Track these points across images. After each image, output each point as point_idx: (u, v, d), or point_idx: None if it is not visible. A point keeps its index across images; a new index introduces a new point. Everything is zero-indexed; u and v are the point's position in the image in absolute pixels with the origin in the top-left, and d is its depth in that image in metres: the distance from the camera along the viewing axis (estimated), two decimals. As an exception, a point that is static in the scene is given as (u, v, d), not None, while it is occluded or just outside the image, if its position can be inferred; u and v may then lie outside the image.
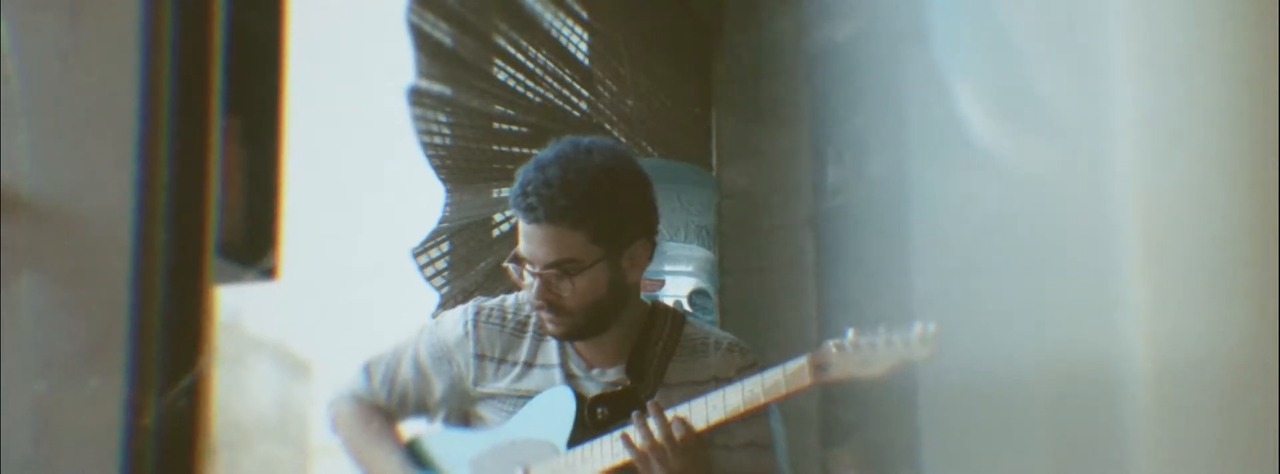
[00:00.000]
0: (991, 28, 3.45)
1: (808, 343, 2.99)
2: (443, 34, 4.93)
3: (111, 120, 1.69)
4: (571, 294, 3.06)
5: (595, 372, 3.18)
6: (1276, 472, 2.58)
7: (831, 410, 4.87)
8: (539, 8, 5.18)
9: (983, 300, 3.36)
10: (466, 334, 3.23)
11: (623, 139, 5.25)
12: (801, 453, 4.30)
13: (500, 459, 3.18)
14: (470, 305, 3.27)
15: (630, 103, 5.34)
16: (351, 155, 4.55)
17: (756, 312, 5.33)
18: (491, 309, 3.24)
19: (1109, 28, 3.00)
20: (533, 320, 3.20)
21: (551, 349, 3.20)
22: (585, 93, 5.27)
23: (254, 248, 1.81)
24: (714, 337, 3.23)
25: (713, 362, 3.18)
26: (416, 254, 4.91)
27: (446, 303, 4.82)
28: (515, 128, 5.11)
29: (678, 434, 2.97)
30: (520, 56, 5.09)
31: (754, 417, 3.09)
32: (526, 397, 3.18)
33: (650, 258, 3.15)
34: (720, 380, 3.08)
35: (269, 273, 1.83)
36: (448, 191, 4.96)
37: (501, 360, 3.21)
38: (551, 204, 3.00)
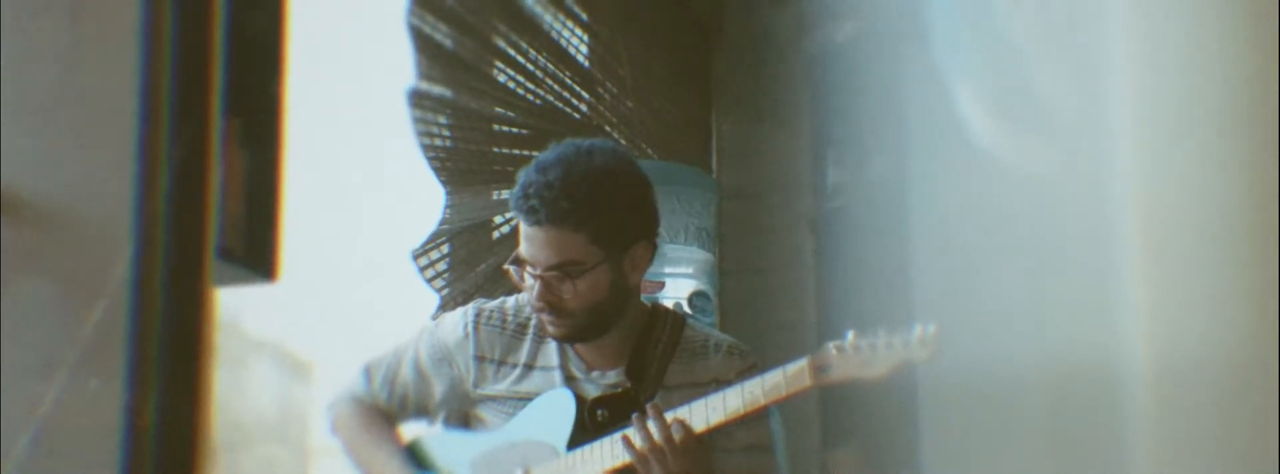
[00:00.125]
0: (991, 28, 3.45)
1: (808, 345, 2.99)
2: (443, 36, 4.93)
3: (111, 121, 1.69)
4: (572, 296, 3.06)
5: (595, 374, 3.18)
6: (1277, 472, 2.58)
7: (832, 412, 4.87)
8: (539, 9, 5.18)
9: (983, 301, 3.36)
10: (467, 336, 3.23)
11: (623, 141, 5.25)
12: (802, 455, 4.30)
13: (500, 461, 3.18)
14: (470, 307, 3.27)
15: (630, 104, 5.34)
16: (351, 157, 4.55)
17: (756, 313, 5.33)
18: (492, 311, 3.24)
19: (1108, 28, 3.00)
20: (533, 322, 3.20)
21: (551, 351, 3.20)
22: (585, 95, 5.27)
23: (254, 249, 1.81)
24: (714, 339, 3.23)
25: (713, 364, 3.18)
26: (416, 256, 4.90)
27: (446, 305, 4.82)
28: (515, 130, 5.11)
29: (677, 436, 2.97)
30: (520, 58, 5.09)
31: (754, 419, 3.09)
32: (526, 399, 3.18)
33: (651, 260, 3.15)
34: (720, 382, 3.09)
35: (269, 274, 1.83)
36: (448, 193, 4.96)
37: (501, 362, 3.21)
38: (553, 206, 3.00)
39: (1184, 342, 2.80)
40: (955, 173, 3.67)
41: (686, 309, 4.88)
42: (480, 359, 3.22)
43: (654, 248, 3.15)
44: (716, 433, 3.03)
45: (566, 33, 5.24)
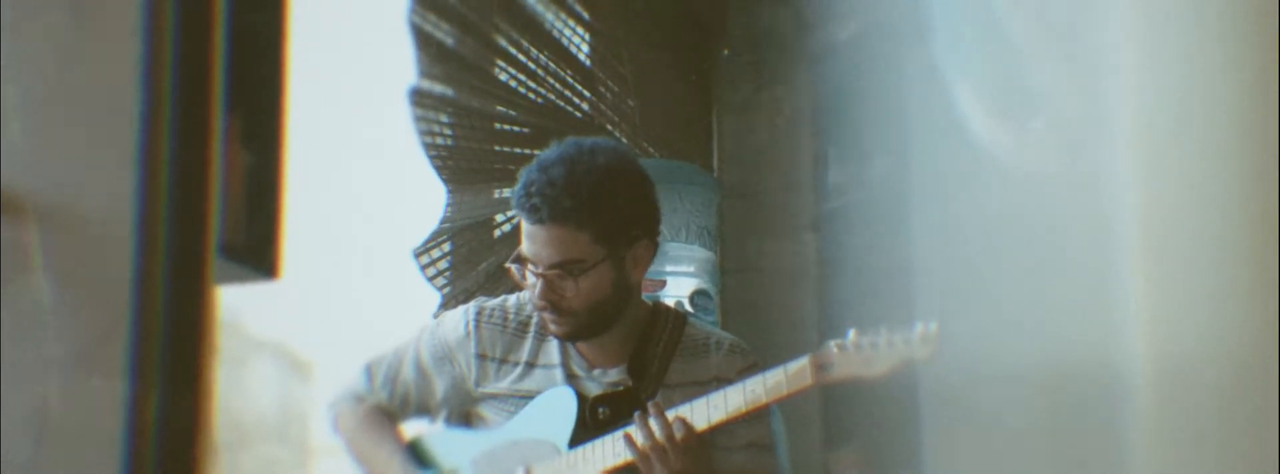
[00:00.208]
0: (992, 28, 3.45)
1: (809, 343, 2.99)
2: (444, 34, 4.94)
3: (112, 119, 1.69)
4: (574, 294, 3.06)
5: (597, 372, 3.18)
6: (1277, 469, 2.58)
7: (833, 411, 4.87)
8: (540, 8, 5.19)
9: (984, 300, 3.36)
10: (468, 334, 3.23)
11: (624, 139, 5.25)
12: (803, 453, 4.30)
13: (502, 459, 3.18)
14: (472, 306, 3.27)
15: (632, 103, 5.34)
16: (353, 155, 4.55)
17: (758, 312, 5.33)
18: (493, 309, 3.24)
19: (1110, 27, 2.99)
20: (534, 320, 3.20)
21: (553, 349, 3.20)
22: (587, 93, 5.28)
23: (255, 247, 1.81)
24: (715, 337, 3.24)
25: (714, 362, 3.18)
26: (418, 254, 4.91)
27: (448, 303, 4.83)
28: (517, 128, 5.12)
29: (679, 434, 2.97)
30: (522, 57, 5.10)
31: (755, 417, 3.09)
32: (528, 397, 3.19)
33: (652, 258, 3.15)
34: (721, 381, 3.09)
35: (270, 273, 1.83)
36: (449, 192, 4.96)
37: (503, 361, 3.22)
38: (555, 205, 3.00)
39: (1185, 341, 2.79)
40: (956, 172, 3.67)
41: (688, 307, 4.88)
42: (482, 357, 3.22)
43: (656, 246, 3.15)
44: (718, 431, 3.03)
45: (568, 31, 5.24)
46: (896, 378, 2.89)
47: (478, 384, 3.23)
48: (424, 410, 3.34)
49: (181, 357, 1.70)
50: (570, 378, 3.18)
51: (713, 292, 5.05)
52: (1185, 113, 2.80)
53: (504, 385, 3.21)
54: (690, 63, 5.73)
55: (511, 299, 3.26)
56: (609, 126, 5.29)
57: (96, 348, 1.67)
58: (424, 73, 4.89)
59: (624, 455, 3.03)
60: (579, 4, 5.29)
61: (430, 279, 4.91)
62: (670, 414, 3.00)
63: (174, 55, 1.71)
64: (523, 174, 3.08)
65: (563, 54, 5.21)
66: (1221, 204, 2.75)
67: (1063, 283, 3.08)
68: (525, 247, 3.07)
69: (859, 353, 2.90)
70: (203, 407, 1.71)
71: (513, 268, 3.11)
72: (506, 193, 4.89)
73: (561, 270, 3.04)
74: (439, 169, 4.93)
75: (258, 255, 1.82)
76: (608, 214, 3.04)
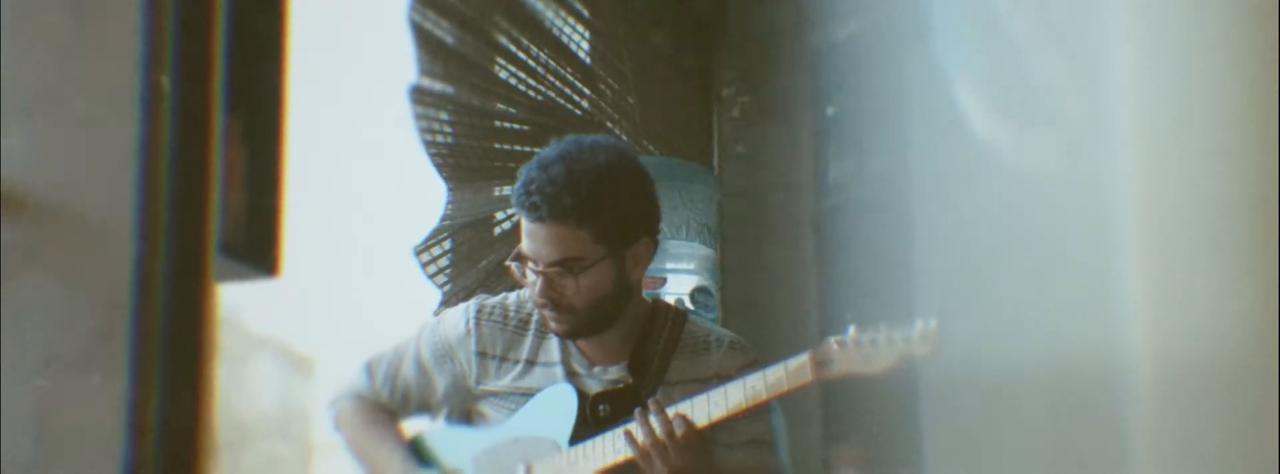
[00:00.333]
0: (992, 25, 3.45)
1: (810, 340, 2.99)
2: (444, 32, 4.94)
3: (113, 118, 1.69)
4: (575, 292, 3.06)
5: (597, 369, 3.18)
6: (1277, 468, 2.58)
7: (833, 408, 4.87)
8: (540, 6, 5.19)
9: (984, 298, 3.36)
10: (468, 332, 3.23)
11: (624, 137, 5.25)
12: (803, 450, 4.31)
13: (502, 457, 3.19)
14: (472, 303, 3.27)
15: (632, 101, 5.34)
16: (353, 153, 4.56)
17: (758, 309, 5.33)
18: (493, 307, 3.24)
19: (1110, 24, 3.00)
20: (535, 318, 3.20)
21: (553, 347, 3.20)
22: (587, 91, 5.28)
23: (255, 245, 1.81)
24: (716, 334, 3.24)
25: (714, 359, 3.19)
26: (418, 252, 4.91)
27: (448, 301, 4.83)
28: (517, 126, 5.12)
29: (679, 431, 2.97)
30: (522, 55, 5.09)
31: (756, 414, 3.09)
32: (528, 394, 3.19)
33: (653, 256, 3.15)
34: (722, 378, 3.09)
35: (271, 270, 1.84)
36: (449, 190, 4.96)
37: (503, 358, 3.22)
38: (555, 203, 3.01)
39: (1185, 339, 2.80)
40: (957, 170, 3.67)
41: (688, 305, 4.89)
42: (482, 355, 3.22)
43: (656, 244, 3.15)
44: (718, 428, 3.03)
45: (568, 29, 5.24)
46: (896, 375, 2.89)
47: (478, 382, 3.23)
48: (425, 408, 3.34)
49: (182, 354, 1.70)
50: (571, 375, 3.18)
51: (713, 289, 5.05)
52: (1185, 112, 2.81)
53: (504, 383, 3.21)
54: (691, 60, 5.73)
55: (512, 297, 3.26)
56: (609, 124, 5.29)
57: (97, 346, 1.67)
58: (424, 70, 4.89)
59: (624, 452, 3.03)
60: (579, 2, 5.29)
61: (431, 277, 4.91)
62: (671, 411, 3.00)
63: (174, 54, 1.71)
64: (523, 172, 3.08)
65: (563, 52, 5.21)
66: (1221, 203, 2.76)
67: (1062, 281, 3.08)
68: (525, 244, 3.07)
69: (859, 350, 2.90)
70: (204, 404, 1.71)
71: (513, 266, 3.11)
72: (507, 190, 4.90)
73: (562, 268, 3.04)
74: (439, 167, 4.93)
75: (258, 253, 1.83)
76: (608, 212, 3.04)
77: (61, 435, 1.67)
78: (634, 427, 3.02)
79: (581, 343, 3.18)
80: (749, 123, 5.62)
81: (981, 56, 3.54)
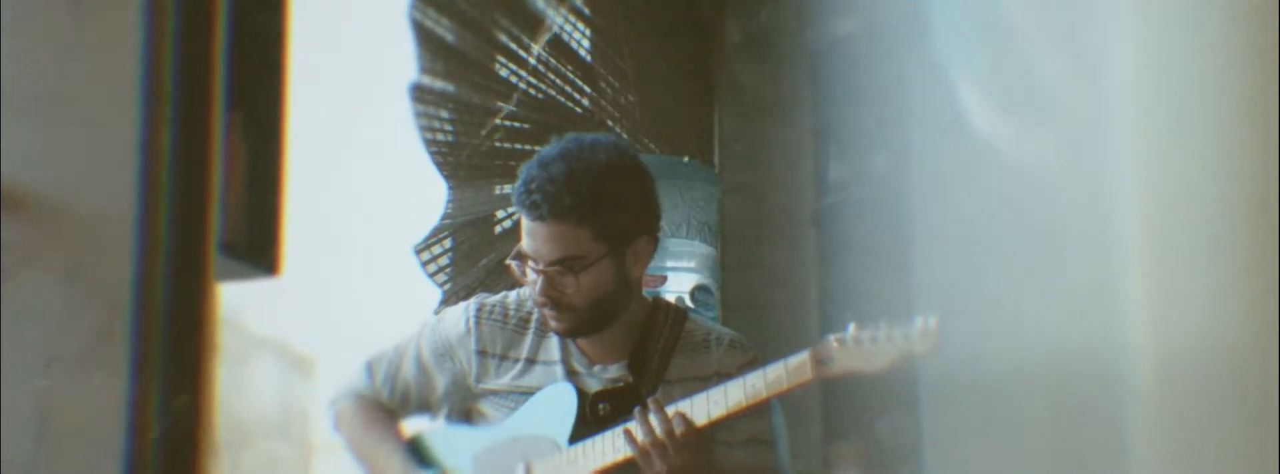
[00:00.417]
0: (992, 22, 3.45)
1: (810, 338, 2.99)
2: (445, 30, 4.94)
3: (113, 116, 1.69)
4: (575, 291, 3.06)
5: (597, 368, 3.18)
6: (1277, 467, 2.58)
7: (833, 406, 4.87)
8: (541, 4, 5.19)
9: (984, 295, 3.36)
10: (468, 331, 3.23)
11: (625, 135, 5.25)
12: (803, 448, 4.31)
13: (502, 456, 3.18)
14: (472, 302, 3.27)
15: (632, 99, 5.34)
16: (353, 152, 4.56)
17: (759, 307, 5.33)
18: (493, 306, 3.24)
19: (1110, 21, 3.00)
20: (535, 317, 3.20)
21: (553, 345, 3.20)
22: (587, 89, 5.28)
23: (256, 245, 1.81)
24: (716, 333, 3.24)
25: (714, 357, 3.18)
26: (419, 251, 4.91)
27: (448, 299, 4.83)
28: (517, 124, 5.12)
29: (679, 430, 2.97)
30: (522, 53, 5.10)
31: (756, 412, 3.09)
32: (528, 393, 3.19)
33: (653, 254, 3.15)
34: (722, 376, 3.08)
35: (271, 269, 1.84)
36: (450, 188, 4.96)
37: (503, 357, 3.22)
38: (556, 201, 3.00)
39: (1186, 336, 2.80)
40: (957, 167, 3.67)
41: (688, 303, 4.89)
42: (482, 354, 3.22)
43: (656, 242, 3.15)
44: (718, 426, 3.03)
45: (569, 27, 5.25)
46: (896, 373, 2.89)
47: (478, 381, 3.23)
48: (425, 407, 3.34)
49: (183, 354, 1.70)
50: (571, 374, 3.18)
51: (713, 287, 5.05)
52: (1186, 110, 2.81)
53: (504, 382, 3.21)
54: (691, 57, 5.73)
55: (512, 295, 3.26)
56: (609, 122, 5.29)
57: (97, 345, 1.67)
58: (425, 69, 4.90)
59: (624, 451, 3.03)
60: (580, 0, 5.29)
61: (431, 276, 4.92)
62: (670, 410, 3.00)
63: (175, 52, 1.71)
64: (523, 170, 3.07)
65: (564, 50, 5.21)
66: (1222, 201, 2.76)
67: (1063, 279, 3.08)
68: (526, 243, 3.07)
69: (859, 347, 2.90)
70: (204, 404, 1.71)
71: (513, 264, 3.11)
72: (507, 189, 4.90)
73: (562, 267, 3.04)
74: (439, 165, 4.93)
75: (258, 253, 1.83)
76: (608, 210, 3.04)
77: (62, 435, 1.67)
78: (634, 425, 3.02)
79: (581, 341, 3.18)
80: (749, 121, 5.62)
81: (982, 55, 3.54)
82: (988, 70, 3.50)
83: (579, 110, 5.22)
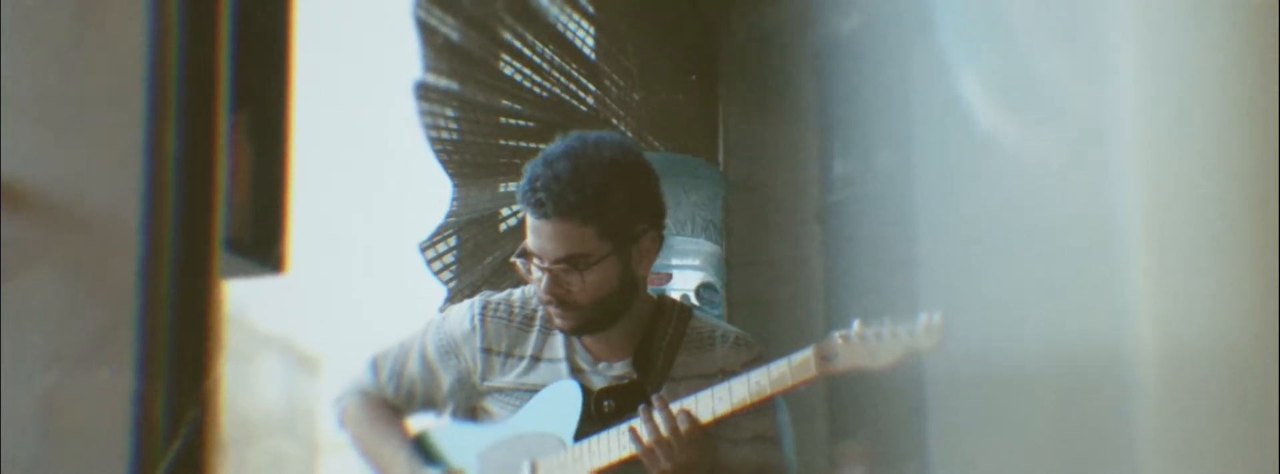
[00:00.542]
0: (997, 19, 3.45)
1: (815, 336, 2.99)
2: (449, 29, 4.94)
3: (119, 115, 1.70)
4: (580, 289, 3.06)
5: (602, 365, 3.18)
6: (1278, 462, 2.59)
7: (839, 403, 4.87)
8: (545, 3, 5.19)
9: (989, 292, 3.36)
10: (473, 328, 3.23)
11: (629, 133, 5.25)
12: (808, 445, 4.31)
13: (507, 453, 3.19)
14: (477, 299, 3.27)
15: (637, 97, 5.34)
16: (358, 150, 4.56)
17: (764, 305, 5.33)
18: (498, 303, 3.25)
19: (1114, 18, 3.00)
20: (540, 314, 3.20)
21: (558, 343, 3.20)
22: (592, 87, 5.28)
23: (261, 242, 1.82)
24: (721, 330, 3.24)
25: (719, 355, 3.19)
26: (424, 249, 4.91)
27: (454, 297, 4.83)
28: (522, 122, 5.12)
29: (683, 427, 2.97)
30: (527, 51, 5.10)
31: (761, 410, 3.09)
32: (533, 390, 3.19)
33: (658, 252, 3.15)
34: (726, 373, 3.09)
35: (277, 267, 1.84)
36: (454, 186, 4.96)
37: (508, 354, 3.22)
38: (560, 199, 3.01)
39: (1190, 330, 2.80)
40: (961, 164, 3.67)
41: (693, 301, 4.89)
42: (487, 351, 3.22)
43: (661, 240, 3.15)
44: (723, 424, 3.03)
45: (573, 25, 5.25)
46: (901, 369, 2.89)
47: (483, 378, 3.23)
48: (430, 404, 3.34)
49: (188, 352, 1.71)
50: (575, 372, 3.18)
51: (718, 285, 5.05)
52: (1189, 107, 2.81)
53: (509, 379, 3.21)
54: (696, 55, 5.73)
55: (517, 293, 3.26)
56: (614, 120, 5.29)
57: (103, 342, 1.68)
58: (429, 67, 4.90)
59: (629, 448, 3.03)
60: (584, -2, 5.29)
61: (436, 273, 4.92)
62: (675, 407, 3.00)
63: (180, 51, 1.71)
64: (528, 169, 3.08)
65: (568, 48, 5.21)
66: (1225, 197, 2.76)
67: (1067, 275, 3.08)
68: (530, 241, 3.07)
69: (863, 344, 2.90)
70: (210, 401, 1.72)
71: (518, 262, 3.11)
72: (512, 187, 4.90)
73: (567, 265, 3.04)
74: (444, 163, 4.93)
75: (264, 250, 1.83)
76: (613, 208, 3.04)
77: (67, 432, 1.67)
78: (638, 423, 3.02)
79: (586, 339, 3.19)
80: (753, 118, 5.62)
81: (986, 51, 3.54)
82: (991, 67, 3.50)
83: (583, 108, 5.22)
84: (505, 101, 5.07)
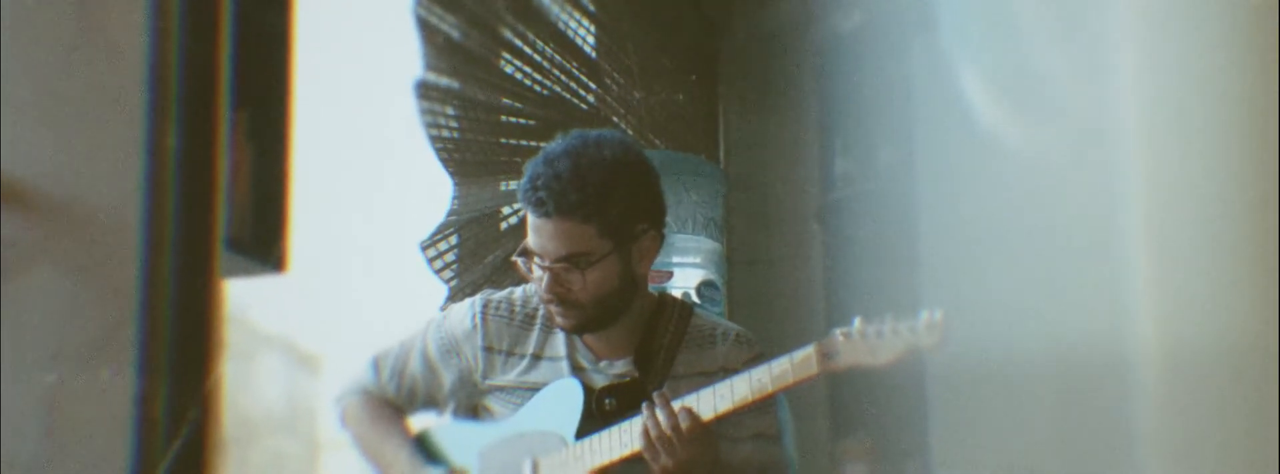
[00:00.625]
0: (998, 18, 3.45)
1: (816, 334, 2.99)
2: (450, 27, 4.94)
3: (120, 114, 1.70)
4: (581, 287, 3.06)
5: (603, 363, 3.18)
6: (1278, 459, 2.59)
7: (840, 401, 4.87)
8: (546, 1, 5.19)
9: (991, 289, 3.37)
10: (474, 327, 3.23)
11: (630, 131, 5.25)
12: (810, 443, 4.31)
13: (509, 451, 3.19)
14: (478, 298, 3.27)
15: (637, 95, 5.34)
16: (359, 149, 4.56)
17: (764, 303, 5.33)
18: (499, 302, 3.25)
19: (1116, 16, 3.00)
20: (541, 313, 3.21)
21: (559, 341, 3.20)
22: (593, 85, 5.28)
23: (262, 241, 1.82)
24: (722, 328, 3.24)
25: (720, 352, 3.19)
26: (425, 247, 4.91)
27: (455, 296, 4.83)
28: (523, 121, 5.12)
29: (685, 424, 2.97)
30: (527, 50, 5.10)
31: (762, 407, 3.09)
32: (534, 389, 3.19)
33: (659, 250, 3.15)
34: (728, 371, 3.09)
35: (278, 266, 1.84)
36: (455, 185, 4.96)
37: (509, 353, 3.22)
38: (561, 198, 3.00)
39: (1191, 328, 2.80)
40: (962, 161, 3.67)
41: (694, 298, 4.89)
42: (488, 350, 3.22)
43: (662, 238, 3.15)
44: (725, 421, 3.03)
45: (573, 24, 5.25)
46: (902, 367, 2.89)
47: (484, 377, 3.23)
48: (431, 403, 3.34)
49: (189, 351, 1.71)
50: (577, 370, 3.18)
51: (719, 282, 5.05)
52: (1190, 106, 2.81)
53: (511, 378, 3.21)
54: (697, 53, 5.73)
55: (518, 291, 3.26)
56: (615, 119, 5.29)
57: (104, 341, 1.68)
58: (430, 66, 4.90)
59: (630, 446, 3.03)
60: (584, -4, 5.29)
61: (437, 272, 4.92)
62: (676, 405, 3.00)
63: (181, 50, 1.72)
64: (528, 167, 3.07)
65: (568, 46, 5.21)
66: (1226, 197, 2.76)
67: (1068, 273, 3.08)
68: (531, 240, 3.07)
69: (864, 341, 2.90)
70: (211, 401, 1.72)
71: (519, 261, 3.11)
72: (513, 185, 4.90)
73: (568, 263, 3.04)
74: (445, 162, 4.93)
75: (265, 249, 1.83)
76: (614, 207, 3.04)
77: (69, 430, 1.67)
78: (640, 420, 3.02)
79: (588, 337, 3.19)
80: (754, 116, 5.62)
81: (987, 49, 3.54)
82: (993, 66, 3.50)
83: (584, 106, 5.22)
84: (506, 100, 5.07)
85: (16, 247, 1.70)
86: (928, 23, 3.88)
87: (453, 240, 4.97)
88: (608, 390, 3.15)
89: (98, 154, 1.71)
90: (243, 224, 1.78)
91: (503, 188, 5.04)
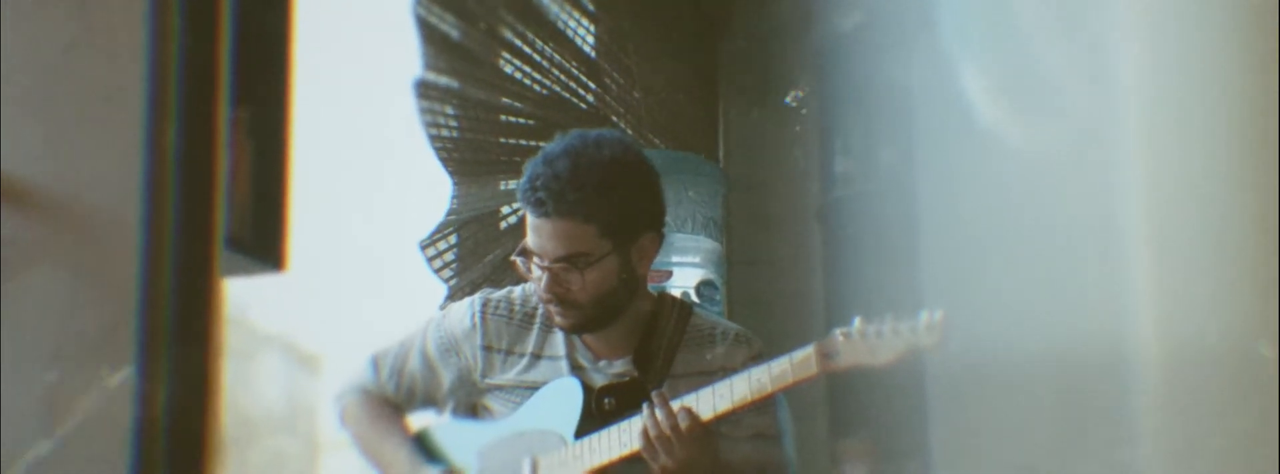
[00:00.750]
0: (998, 17, 3.45)
1: (816, 333, 2.99)
2: (449, 27, 4.94)
3: (119, 112, 1.70)
4: (580, 287, 3.06)
5: (602, 363, 3.18)
6: (1278, 456, 2.59)
7: (840, 400, 4.87)
8: (546, 1, 5.19)
9: (991, 289, 3.37)
10: (474, 326, 3.23)
11: (629, 131, 5.25)
12: (809, 443, 4.31)
13: (508, 450, 3.19)
14: (477, 297, 3.27)
15: (637, 95, 5.34)
16: (359, 148, 4.56)
17: (764, 302, 5.33)
18: (499, 301, 3.25)
19: (1115, 17, 3.00)
20: (540, 312, 3.21)
21: (558, 341, 3.20)
22: (592, 85, 5.28)
23: (262, 240, 1.82)
24: (721, 327, 3.24)
25: (720, 352, 3.19)
26: (424, 247, 4.91)
27: (454, 295, 4.83)
28: (522, 120, 5.12)
29: (684, 424, 2.97)
30: (527, 49, 5.10)
31: (762, 407, 3.09)
32: (534, 388, 3.19)
33: (658, 250, 3.15)
34: (727, 371, 3.09)
35: (277, 265, 1.84)
36: (455, 184, 4.96)
37: (509, 352, 3.22)
38: (560, 198, 3.01)
39: (1191, 328, 2.80)
40: (963, 161, 3.67)
41: (694, 298, 4.89)
42: (488, 349, 3.22)
43: (661, 238, 3.15)
44: (724, 421, 3.03)
45: (573, 23, 5.25)
46: (902, 367, 2.89)
47: (484, 376, 3.23)
48: (430, 402, 3.34)
49: (189, 350, 1.71)
50: (576, 369, 3.19)
51: (718, 282, 5.05)
52: (1190, 106, 2.81)
53: (510, 377, 3.21)
54: (696, 53, 5.73)
55: (517, 291, 3.26)
56: (614, 118, 5.29)
57: (103, 341, 1.68)
58: (429, 65, 4.90)
59: (630, 446, 3.03)
60: (584, -5, 5.29)
61: (437, 271, 4.92)
62: (676, 404, 3.00)
63: (180, 48, 1.71)
64: (528, 167, 3.07)
65: (568, 46, 5.21)
66: (1226, 197, 2.76)
67: (1069, 273, 3.08)
68: (531, 240, 3.07)
69: (864, 341, 2.90)
70: (211, 400, 1.72)
71: (518, 261, 3.11)
72: (512, 185, 4.90)
73: (567, 263, 3.04)
74: (444, 161, 4.93)
75: (264, 248, 1.83)
76: (613, 207, 3.04)
77: (69, 431, 1.67)
78: (639, 420, 3.02)
79: (587, 337, 3.19)
80: (754, 115, 5.62)
81: (987, 49, 3.54)
82: (993, 66, 3.50)
83: (583, 106, 5.22)
84: (505, 99, 5.07)
85: (16, 246, 1.70)
86: (928, 23, 3.88)
87: (452, 240, 4.97)
88: (607, 390, 3.15)
89: (96, 154, 1.71)
90: (242, 223, 1.78)
91: (502, 187, 5.04)
